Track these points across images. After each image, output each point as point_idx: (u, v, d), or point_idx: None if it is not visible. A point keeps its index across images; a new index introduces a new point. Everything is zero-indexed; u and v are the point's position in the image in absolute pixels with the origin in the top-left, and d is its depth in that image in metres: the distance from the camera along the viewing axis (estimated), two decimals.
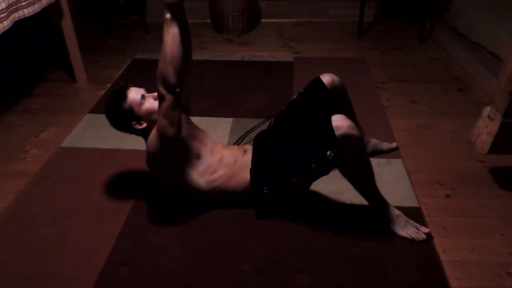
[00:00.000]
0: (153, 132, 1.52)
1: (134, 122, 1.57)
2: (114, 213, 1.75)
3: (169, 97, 1.40)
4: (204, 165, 1.64)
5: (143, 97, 1.57)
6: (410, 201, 1.77)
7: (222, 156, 1.69)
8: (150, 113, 1.56)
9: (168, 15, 1.35)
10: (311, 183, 1.66)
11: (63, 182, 1.93)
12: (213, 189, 1.66)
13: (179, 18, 1.38)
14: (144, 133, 1.61)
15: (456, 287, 1.43)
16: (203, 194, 1.67)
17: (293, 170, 1.55)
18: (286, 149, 1.61)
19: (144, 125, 1.58)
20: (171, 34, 1.36)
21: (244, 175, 1.66)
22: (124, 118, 1.57)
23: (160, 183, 1.72)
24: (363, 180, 1.56)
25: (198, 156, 1.64)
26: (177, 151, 1.56)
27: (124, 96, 1.56)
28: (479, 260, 1.53)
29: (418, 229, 1.60)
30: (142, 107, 1.56)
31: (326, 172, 1.55)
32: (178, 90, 1.41)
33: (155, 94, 1.56)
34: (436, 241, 1.59)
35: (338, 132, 1.42)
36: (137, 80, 2.81)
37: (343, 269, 1.49)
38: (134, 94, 1.57)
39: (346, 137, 1.42)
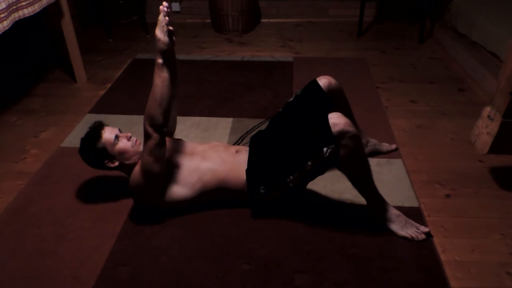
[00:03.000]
0: (137, 168, 1.58)
1: (107, 161, 1.62)
2: (114, 213, 1.75)
3: (155, 136, 1.48)
4: (184, 173, 1.64)
5: (116, 137, 1.61)
6: (410, 201, 1.77)
7: (203, 158, 1.69)
8: (122, 152, 1.62)
9: (160, 60, 1.45)
10: (307, 183, 1.65)
11: (63, 182, 1.93)
12: (201, 192, 1.66)
13: (170, 63, 1.47)
14: (119, 169, 1.66)
15: (456, 287, 1.43)
16: (194, 200, 1.68)
17: (289, 169, 1.56)
18: (282, 148, 1.61)
19: (116, 163, 1.63)
20: (162, 78, 1.45)
21: (240, 176, 1.66)
22: (97, 157, 1.62)
23: (149, 207, 1.74)
24: (361, 177, 1.56)
25: (177, 166, 1.65)
26: (159, 184, 1.60)
27: (99, 136, 1.60)
28: (479, 260, 1.53)
29: (417, 229, 1.60)
30: (115, 147, 1.61)
31: (322, 171, 1.55)
32: (164, 129, 1.49)
33: (128, 134, 1.65)
34: (436, 241, 1.60)
35: (335, 129, 1.42)
36: (137, 80, 2.83)
37: (343, 269, 1.49)
38: (108, 134, 1.61)
39: (342, 133, 1.42)
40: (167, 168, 1.61)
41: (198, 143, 1.84)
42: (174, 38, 1.49)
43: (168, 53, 1.45)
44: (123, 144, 1.62)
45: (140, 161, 1.58)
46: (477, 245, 1.59)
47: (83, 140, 1.64)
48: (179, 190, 1.64)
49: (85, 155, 1.65)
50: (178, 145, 1.74)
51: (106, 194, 1.85)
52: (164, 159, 1.55)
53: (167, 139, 1.69)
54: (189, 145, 1.77)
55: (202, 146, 1.78)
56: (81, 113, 2.50)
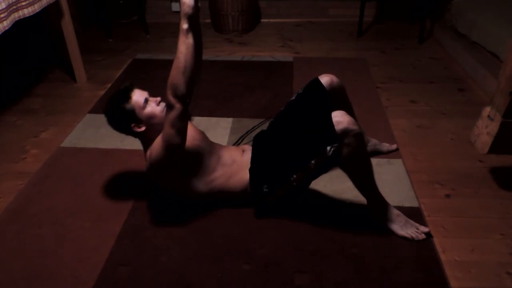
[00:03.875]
0: (158, 140, 1.52)
1: (133, 124, 1.57)
2: (114, 213, 1.75)
3: (178, 107, 1.39)
4: (203, 167, 1.64)
5: (146, 100, 1.57)
6: (410, 201, 1.77)
7: (220, 157, 1.69)
8: (151, 117, 1.56)
9: (185, 25, 1.34)
10: (311, 182, 1.65)
11: (63, 182, 1.93)
12: (211, 190, 1.66)
13: (195, 29, 1.38)
14: (141, 136, 1.62)
15: (456, 287, 1.43)
16: (203, 196, 1.68)
17: (292, 167, 1.55)
18: (286, 147, 1.61)
19: (143, 128, 1.58)
20: (186, 44, 1.35)
21: (243, 175, 1.66)
22: (124, 119, 1.57)
23: (160, 189, 1.72)
24: (363, 176, 1.56)
25: (197, 158, 1.63)
26: (179, 158, 1.56)
27: (128, 97, 1.56)
28: (479, 260, 1.53)
29: (417, 229, 1.60)
30: (144, 111, 1.55)
31: (325, 170, 1.55)
32: (188, 100, 1.41)
33: (158, 99, 1.58)
34: (436, 241, 1.60)
35: (338, 127, 1.42)
36: (137, 80, 2.83)
37: (343, 269, 1.49)
38: (138, 96, 1.56)
39: (346, 132, 1.42)
40: (187, 158, 1.57)
41: (215, 142, 1.81)
42: (199, 3, 1.39)
43: (193, 18, 1.35)
44: (152, 108, 1.56)
45: (161, 133, 1.50)
46: (477, 245, 1.59)
47: (111, 100, 1.58)
48: (195, 181, 1.62)
49: (111, 116, 1.58)
50: (199, 136, 1.70)
51: (106, 194, 1.85)
52: (186, 131, 1.47)
53: (193, 128, 1.66)
54: (208, 142, 1.74)
55: (218, 145, 1.77)
56: (81, 113, 2.50)
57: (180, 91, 1.37)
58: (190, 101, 1.44)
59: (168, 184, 1.67)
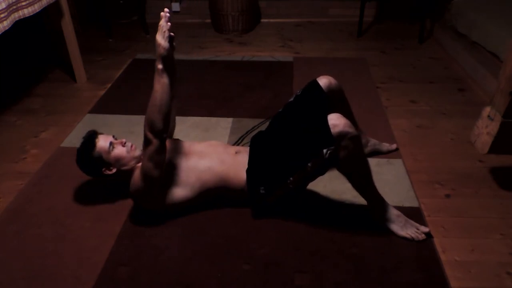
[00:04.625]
0: (137, 174, 1.59)
1: (104, 169, 1.64)
2: (114, 213, 1.75)
3: (155, 142, 1.48)
4: (182, 173, 1.64)
5: (111, 144, 1.63)
6: (410, 201, 1.77)
7: (200, 157, 1.69)
8: (118, 159, 1.63)
9: (160, 66, 1.45)
10: (308, 184, 1.65)
11: (63, 182, 1.93)
12: (201, 191, 1.66)
13: (170, 68, 1.47)
14: (117, 177, 1.67)
15: (456, 287, 1.43)
16: (195, 200, 1.67)
17: (289, 169, 1.55)
18: (283, 149, 1.61)
19: (114, 170, 1.64)
20: (162, 84, 1.46)
21: (240, 176, 1.66)
22: (94, 165, 1.64)
23: (150, 211, 1.74)
24: (361, 178, 1.56)
25: (175, 167, 1.65)
26: (160, 186, 1.60)
27: (93, 145, 1.62)
28: (479, 260, 1.53)
29: (417, 229, 1.60)
30: (110, 154, 1.62)
31: (322, 172, 1.55)
32: (164, 135, 1.49)
33: (123, 140, 1.67)
34: (436, 241, 1.60)
35: (334, 130, 1.42)
36: (137, 80, 2.83)
37: (343, 269, 1.49)
38: (103, 142, 1.63)
39: (342, 135, 1.42)
40: (165, 170, 1.61)
41: (196, 142, 1.84)
42: (174, 44, 1.49)
43: (168, 59, 1.45)
44: (118, 150, 1.63)
45: (139, 166, 1.59)
46: (477, 245, 1.59)
47: (78, 151, 1.66)
48: (178, 191, 1.64)
49: (82, 165, 1.67)
50: (175, 146, 1.74)
51: (106, 194, 1.85)
52: (164, 164, 1.55)
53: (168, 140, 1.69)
54: (186, 145, 1.76)
55: (200, 145, 1.77)
56: (81, 113, 2.50)
57: (157, 127, 1.47)
58: (167, 135, 1.52)
59: (157, 206, 1.67)
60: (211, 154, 1.70)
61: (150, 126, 1.47)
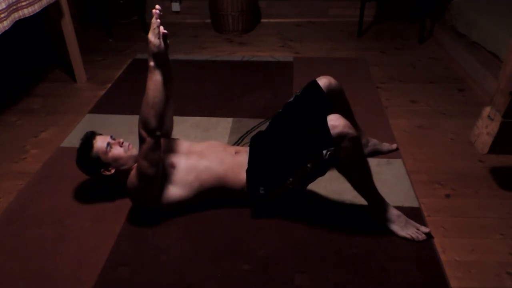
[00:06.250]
0: (133, 173, 1.60)
1: (102, 169, 1.65)
2: (114, 213, 1.75)
3: (149, 140, 1.48)
4: (181, 173, 1.64)
5: (108, 144, 1.63)
6: (410, 201, 1.77)
7: (200, 157, 1.69)
8: (116, 159, 1.64)
9: (151, 63, 1.45)
10: (307, 184, 1.66)
11: (63, 182, 1.93)
12: (199, 191, 1.66)
13: (163, 66, 1.47)
14: (115, 178, 1.68)
15: (456, 287, 1.43)
16: (193, 199, 1.67)
17: (289, 170, 1.55)
18: (282, 150, 1.61)
19: (113, 171, 1.65)
20: (154, 81, 1.46)
21: (240, 176, 1.66)
22: (92, 166, 1.65)
23: (148, 209, 1.74)
24: (361, 179, 1.56)
25: (174, 166, 1.65)
26: (157, 184, 1.60)
27: (91, 146, 1.63)
28: (479, 260, 1.53)
29: (418, 229, 1.60)
30: (108, 155, 1.63)
31: (322, 173, 1.55)
32: (158, 133, 1.49)
33: (121, 140, 1.67)
34: (436, 241, 1.60)
35: (334, 131, 1.42)
36: (137, 80, 2.83)
37: (343, 269, 1.49)
38: (100, 142, 1.64)
39: (342, 136, 1.42)
40: (164, 169, 1.61)
41: (195, 142, 1.84)
42: (168, 41, 1.48)
43: (160, 56, 1.45)
44: (116, 150, 1.64)
45: (136, 165, 1.59)
46: (477, 245, 1.59)
47: (77, 152, 1.67)
48: (177, 190, 1.64)
49: (81, 166, 1.68)
50: (174, 145, 1.74)
51: (106, 194, 1.85)
52: (160, 162, 1.55)
53: (163, 140, 1.69)
54: (186, 145, 1.76)
55: (199, 145, 1.77)
56: (81, 113, 2.50)
57: (150, 125, 1.46)
58: (161, 133, 1.52)
59: (155, 205, 1.66)
60: (211, 154, 1.70)
61: (143, 124, 1.47)
